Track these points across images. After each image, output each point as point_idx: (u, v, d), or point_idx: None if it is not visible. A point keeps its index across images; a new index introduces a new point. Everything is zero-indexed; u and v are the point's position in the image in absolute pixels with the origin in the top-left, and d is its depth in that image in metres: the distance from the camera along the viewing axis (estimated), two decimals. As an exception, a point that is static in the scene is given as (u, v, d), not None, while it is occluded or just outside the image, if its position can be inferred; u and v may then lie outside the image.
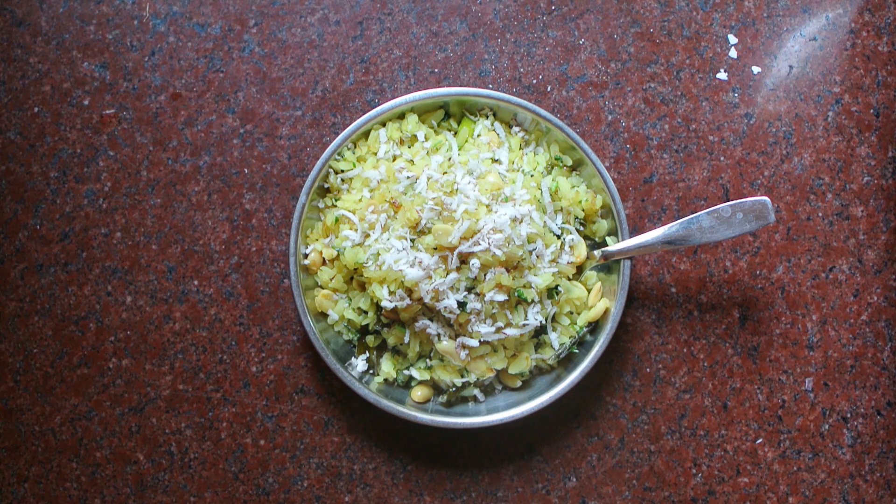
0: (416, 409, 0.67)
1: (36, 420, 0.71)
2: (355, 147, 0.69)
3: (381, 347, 0.69)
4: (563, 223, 0.67)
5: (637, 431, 0.72)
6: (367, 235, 0.65)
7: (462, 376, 0.67)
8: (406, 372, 0.68)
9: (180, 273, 0.72)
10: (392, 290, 0.64)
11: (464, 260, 0.63)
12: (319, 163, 0.67)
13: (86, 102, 0.73)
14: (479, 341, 0.64)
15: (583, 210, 0.68)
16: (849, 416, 0.72)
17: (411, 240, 0.64)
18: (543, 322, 0.66)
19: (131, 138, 0.73)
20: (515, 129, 0.70)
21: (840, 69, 0.74)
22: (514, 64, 0.74)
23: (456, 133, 0.70)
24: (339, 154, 0.68)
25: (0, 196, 0.72)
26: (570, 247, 0.67)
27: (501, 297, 0.63)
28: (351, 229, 0.66)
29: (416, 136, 0.68)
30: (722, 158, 0.73)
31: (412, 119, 0.68)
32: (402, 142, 0.68)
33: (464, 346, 0.65)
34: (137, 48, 0.73)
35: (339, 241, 0.66)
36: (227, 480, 0.71)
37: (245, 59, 0.73)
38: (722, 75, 0.74)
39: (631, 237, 0.68)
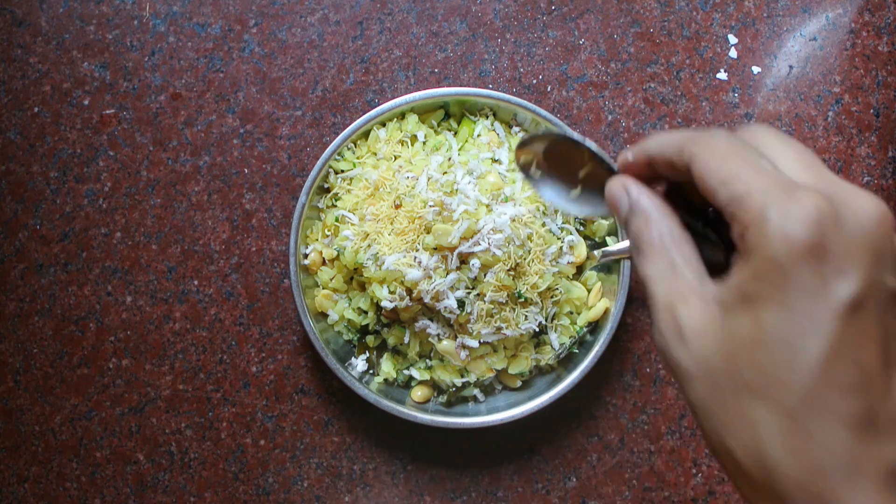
0: (416, 409, 0.67)
1: (36, 420, 0.71)
2: (355, 147, 0.69)
3: (381, 347, 0.69)
4: (563, 223, 0.67)
5: (637, 431, 0.71)
6: (367, 235, 0.65)
7: (462, 376, 0.67)
8: (406, 372, 0.68)
9: (180, 273, 0.72)
10: (392, 290, 0.64)
11: (464, 260, 0.63)
12: (319, 163, 0.67)
13: (86, 102, 0.73)
14: (479, 341, 0.64)
15: (583, 210, 0.68)
16: (849, 416, 0.72)
17: (411, 240, 0.64)
18: (543, 322, 0.66)
19: (131, 138, 0.73)
20: (515, 129, 0.70)
21: (840, 69, 0.74)
22: (514, 64, 0.74)
23: (456, 133, 0.70)
24: (339, 154, 0.68)
25: (0, 196, 0.72)
26: (570, 247, 0.67)
27: (501, 297, 0.63)
28: (351, 229, 0.66)
29: (416, 136, 0.68)
30: (722, 158, 0.73)
31: (412, 119, 0.68)
32: (402, 142, 0.68)
33: (464, 346, 0.65)
34: (137, 48, 0.73)
35: (339, 241, 0.66)
36: (227, 480, 0.71)
37: (245, 59, 0.73)
38: (722, 75, 0.74)
39: (631, 237, 0.68)
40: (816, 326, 0.29)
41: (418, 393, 0.68)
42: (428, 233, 0.63)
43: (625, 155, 0.38)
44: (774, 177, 0.31)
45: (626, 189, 0.37)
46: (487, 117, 0.70)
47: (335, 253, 0.66)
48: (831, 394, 0.29)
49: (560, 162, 0.44)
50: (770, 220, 0.29)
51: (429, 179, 0.65)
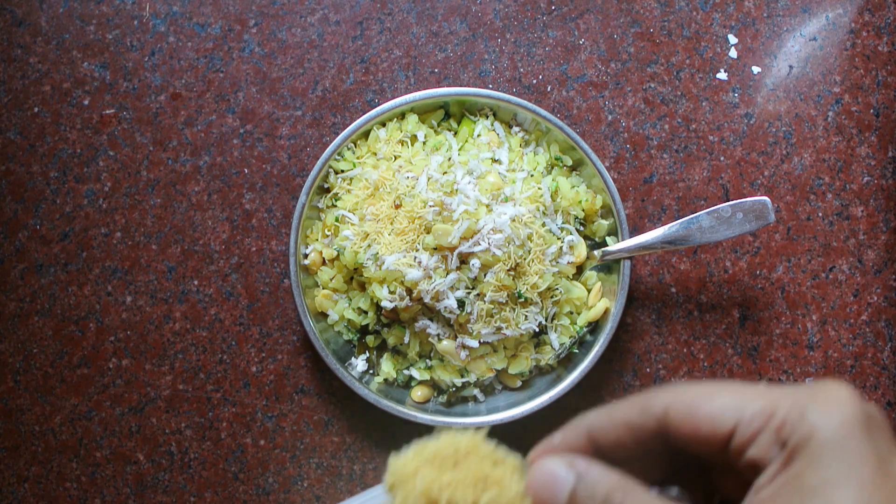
0: (416, 409, 0.67)
1: (36, 420, 0.71)
2: (355, 147, 0.69)
3: (381, 347, 0.69)
4: (563, 223, 0.67)
5: (637, 431, 0.71)
6: (367, 235, 0.65)
7: (462, 376, 0.67)
8: (406, 372, 0.68)
9: (180, 273, 0.72)
10: (392, 290, 0.64)
11: (464, 260, 0.63)
12: (319, 163, 0.67)
13: (86, 102, 0.73)
14: (479, 341, 0.64)
15: (583, 210, 0.68)
16: (849, 416, 0.72)
17: (411, 240, 0.64)
18: (543, 322, 0.66)
19: (131, 138, 0.73)
20: (515, 129, 0.70)
21: (840, 69, 0.74)
22: (514, 64, 0.74)
23: (456, 133, 0.70)
24: (339, 154, 0.68)
25: (0, 196, 0.72)
26: (570, 247, 0.67)
27: (501, 297, 0.63)
28: (351, 229, 0.66)
29: (416, 136, 0.68)
30: (722, 158, 0.73)
31: (412, 119, 0.68)
32: (402, 142, 0.68)
33: (464, 347, 0.65)
34: (137, 48, 0.73)
35: (339, 241, 0.66)
36: (227, 480, 0.71)
37: (245, 59, 0.73)
38: (722, 75, 0.74)
39: (631, 237, 0.68)
40: (893, 498, 0.29)
41: (418, 393, 0.68)
42: (428, 233, 0.63)
43: (547, 443, 0.34)
44: (776, 388, 0.31)
45: (570, 464, 0.32)
46: (487, 117, 0.70)
47: (335, 253, 0.66)
48: None
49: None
50: (813, 411, 0.30)
51: (429, 179, 0.65)
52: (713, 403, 0.32)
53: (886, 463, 0.29)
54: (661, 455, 0.35)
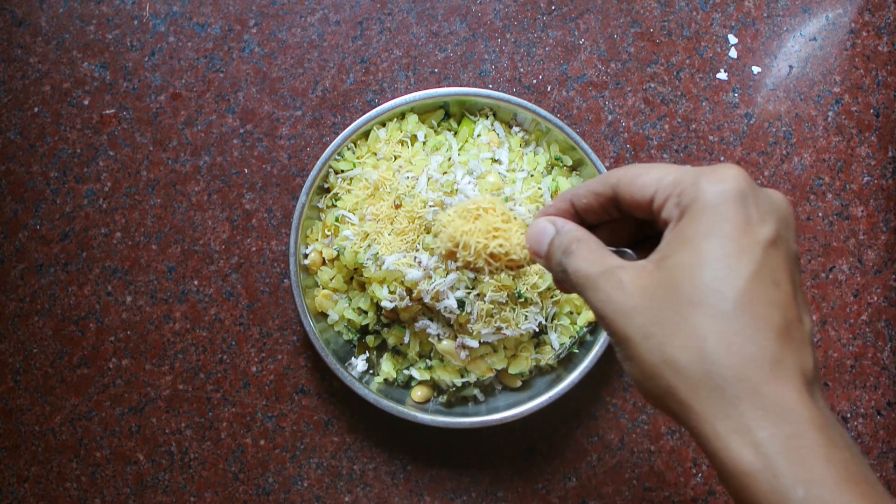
0: (416, 409, 0.67)
1: (36, 420, 0.71)
2: (355, 147, 0.69)
3: (381, 347, 0.69)
4: (563, 223, 0.67)
5: (637, 431, 0.71)
6: (367, 235, 0.65)
7: (462, 376, 0.67)
8: (406, 372, 0.68)
9: (180, 273, 0.72)
10: (392, 290, 0.64)
11: (464, 260, 0.63)
12: (319, 163, 0.67)
13: (86, 102, 0.73)
14: (479, 341, 0.64)
15: (583, 210, 0.68)
16: (849, 416, 0.72)
17: (411, 240, 0.64)
18: (543, 322, 0.66)
19: (131, 138, 0.73)
20: (515, 129, 0.70)
21: (840, 69, 0.74)
22: (514, 64, 0.74)
23: (456, 133, 0.70)
24: (339, 154, 0.68)
25: (0, 196, 0.72)
26: (570, 247, 0.67)
27: (501, 297, 0.63)
28: (351, 229, 0.66)
29: (416, 136, 0.68)
30: (722, 158, 0.73)
31: (412, 119, 0.68)
32: (402, 142, 0.68)
33: (464, 347, 0.65)
34: (137, 48, 0.73)
35: (339, 241, 0.66)
36: (227, 480, 0.71)
37: (245, 59, 0.73)
38: (722, 75, 0.74)
39: (631, 237, 0.68)
40: (746, 251, 0.36)
41: (418, 393, 0.68)
42: (428, 233, 0.63)
43: (543, 209, 0.46)
44: (691, 167, 0.39)
45: (553, 222, 0.44)
46: (487, 117, 0.70)
47: (335, 253, 0.66)
48: (759, 304, 0.36)
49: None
50: (703, 181, 0.38)
51: (429, 179, 0.65)
52: (645, 176, 0.41)
53: (751, 224, 0.37)
54: (625, 224, 0.45)
